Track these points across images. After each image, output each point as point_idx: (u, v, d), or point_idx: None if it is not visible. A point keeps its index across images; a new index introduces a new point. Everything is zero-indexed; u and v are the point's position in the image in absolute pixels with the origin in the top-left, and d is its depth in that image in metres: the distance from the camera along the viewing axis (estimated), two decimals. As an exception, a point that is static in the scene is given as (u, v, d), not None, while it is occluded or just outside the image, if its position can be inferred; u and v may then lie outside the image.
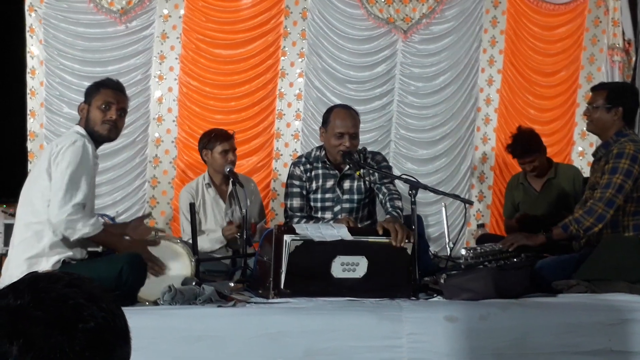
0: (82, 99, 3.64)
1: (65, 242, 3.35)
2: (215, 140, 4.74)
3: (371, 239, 3.52)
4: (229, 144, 4.72)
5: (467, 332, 3.17)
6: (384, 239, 3.50)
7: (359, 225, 4.18)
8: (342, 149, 4.09)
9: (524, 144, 5.13)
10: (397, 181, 4.16)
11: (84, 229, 3.30)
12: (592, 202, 3.88)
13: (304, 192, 4.26)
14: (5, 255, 3.69)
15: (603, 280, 3.74)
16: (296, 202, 4.24)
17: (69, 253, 3.36)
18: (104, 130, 3.52)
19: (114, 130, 3.56)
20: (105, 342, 0.97)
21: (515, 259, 3.85)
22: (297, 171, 4.27)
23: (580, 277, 3.77)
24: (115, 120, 3.53)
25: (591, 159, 4.43)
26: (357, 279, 3.45)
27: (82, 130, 3.49)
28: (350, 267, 3.44)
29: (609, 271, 3.76)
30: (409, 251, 3.51)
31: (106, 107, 3.52)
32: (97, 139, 3.56)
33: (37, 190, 3.36)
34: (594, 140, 4.38)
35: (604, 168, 3.94)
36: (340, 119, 4.13)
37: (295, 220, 4.16)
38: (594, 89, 4.29)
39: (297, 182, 4.26)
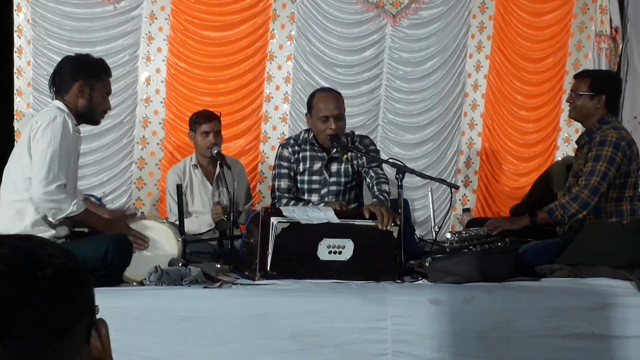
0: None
1: (48, 220, 3.35)
2: (197, 121, 4.73)
3: (357, 222, 3.54)
4: (210, 125, 4.68)
5: (451, 314, 3.20)
6: (370, 222, 3.53)
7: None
8: (329, 132, 4.10)
9: None
10: (384, 165, 4.18)
11: (68, 208, 3.30)
12: (578, 190, 3.92)
13: (292, 174, 4.27)
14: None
15: (586, 265, 3.78)
16: (284, 183, 4.25)
17: (52, 232, 3.35)
18: (100, 118, 3.64)
19: None
20: (66, 286, 0.95)
21: (499, 244, 3.89)
22: (286, 152, 4.28)
23: (564, 262, 3.81)
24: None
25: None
26: (343, 261, 3.47)
27: (63, 106, 3.45)
28: (336, 250, 3.46)
29: (591, 256, 3.80)
30: (395, 234, 3.54)
31: (106, 96, 3.58)
32: (84, 120, 3.57)
33: (19, 168, 3.35)
34: (580, 126, 4.40)
35: (587, 155, 3.97)
36: (323, 102, 4.14)
37: (284, 201, 4.18)
38: (577, 76, 4.30)
39: (285, 164, 4.27)
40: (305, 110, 5.27)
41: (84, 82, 3.48)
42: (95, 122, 3.64)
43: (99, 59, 3.63)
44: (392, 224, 3.52)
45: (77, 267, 0.99)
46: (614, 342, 3.31)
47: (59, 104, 3.47)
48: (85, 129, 5.38)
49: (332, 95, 4.20)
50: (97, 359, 0.99)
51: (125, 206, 5.51)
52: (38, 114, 3.61)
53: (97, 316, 1.03)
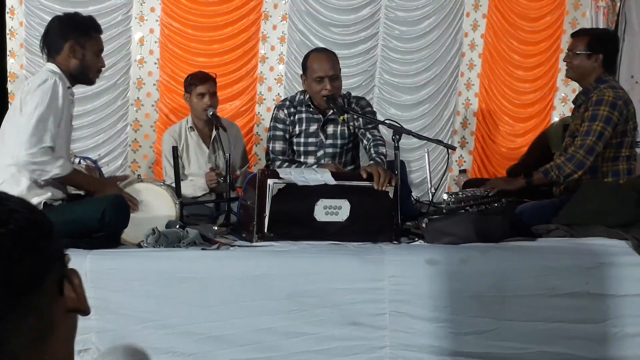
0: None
1: (44, 183, 3.34)
2: (193, 83, 4.68)
3: (353, 183, 3.54)
4: (206, 87, 4.63)
5: (447, 274, 3.22)
6: (366, 183, 3.53)
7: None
8: (325, 93, 4.07)
9: None
10: (380, 126, 4.17)
11: (52, 170, 3.25)
12: (573, 150, 3.91)
13: (287, 136, 4.25)
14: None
15: (582, 225, 3.80)
16: (278, 145, 4.24)
17: (48, 194, 3.33)
18: (95, 77, 3.58)
19: None
20: (29, 239, 0.94)
21: (496, 204, 3.90)
22: (281, 114, 4.25)
23: (560, 222, 3.83)
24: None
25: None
26: (340, 222, 3.48)
27: (56, 68, 3.40)
28: (333, 211, 3.47)
29: (587, 216, 3.81)
30: (391, 195, 3.54)
31: (99, 54, 3.52)
32: (79, 81, 3.53)
33: (11, 131, 3.32)
34: (577, 86, 4.39)
35: (583, 115, 3.96)
36: (317, 63, 4.10)
37: (277, 163, 4.17)
38: (574, 34, 4.27)
39: (280, 126, 4.25)
40: (301, 71, 5.23)
41: (74, 42, 3.42)
42: (90, 81, 3.59)
43: (88, 17, 3.57)
44: (388, 185, 3.52)
45: (40, 219, 0.98)
46: (609, 301, 3.34)
47: (51, 66, 3.43)
48: (78, 90, 5.32)
49: (326, 56, 4.16)
50: (74, 309, 0.99)
51: (121, 169, 5.50)
52: (31, 77, 3.57)
53: (69, 267, 1.03)
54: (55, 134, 3.28)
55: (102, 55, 3.51)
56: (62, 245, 1.02)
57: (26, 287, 0.92)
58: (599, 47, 4.04)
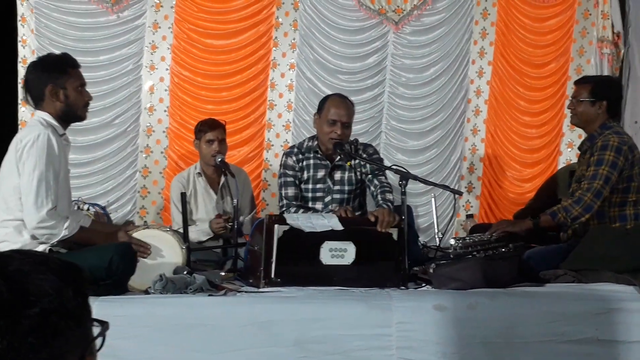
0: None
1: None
2: (202, 129, 4.75)
3: (358, 225, 3.57)
4: (215, 133, 4.70)
5: (455, 321, 3.21)
6: (370, 226, 3.56)
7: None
8: (333, 136, 4.12)
9: None
10: (387, 171, 4.20)
11: (61, 232, 3.27)
12: (580, 193, 3.92)
13: (297, 182, 4.29)
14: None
15: (590, 271, 3.79)
16: (291, 191, 4.26)
17: (53, 242, 3.34)
18: (84, 113, 3.51)
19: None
20: (51, 325, 0.94)
21: (503, 249, 3.89)
22: (290, 161, 4.29)
23: (568, 267, 3.82)
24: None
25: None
26: (346, 265, 3.49)
27: (47, 116, 3.36)
28: (338, 253, 3.49)
29: (595, 261, 3.81)
30: (395, 236, 3.56)
31: (82, 88, 3.45)
32: (69, 121, 3.48)
33: (8, 188, 3.30)
34: (583, 132, 4.41)
35: (589, 160, 3.98)
36: (334, 107, 4.17)
37: (292, 210, 4.18)
38: (578, 82, 4.31)
39: (290, 172, 4.28)
40: (308, 117, 5.30)
41: (52, 85, 3.36)
42: (80, 118, 3.52)
43: (61, 54, 3.54)
44: (391, 225, 3.55)
45: (70, 305, 0.98)
46: (619, 347, 3.31)
47: (41, 115, 3.38)
48: (89, 138, 5.42)
49: (345, 103, 4.24)
50: None
51: (129, 215, 5.53)
52: (23, 131, 3.47)
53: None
54: (56, 190, 3.27)
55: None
56: (90, 330, 1.01)
57: None
58: (602, 93, 4.08)
